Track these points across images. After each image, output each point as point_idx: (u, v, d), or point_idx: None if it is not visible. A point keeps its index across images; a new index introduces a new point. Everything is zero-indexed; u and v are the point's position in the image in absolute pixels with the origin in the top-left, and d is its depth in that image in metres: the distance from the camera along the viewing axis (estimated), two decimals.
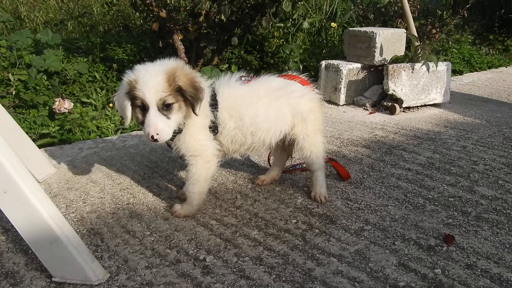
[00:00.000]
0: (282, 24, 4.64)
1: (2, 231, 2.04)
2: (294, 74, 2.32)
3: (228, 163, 2.68)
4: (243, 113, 2.08)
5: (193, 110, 1.89)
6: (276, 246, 1.92)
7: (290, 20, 4.53)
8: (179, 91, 1.87)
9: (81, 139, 3.47)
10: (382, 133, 3.46)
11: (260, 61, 5.84)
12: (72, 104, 3.94)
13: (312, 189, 2.36)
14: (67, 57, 5.28)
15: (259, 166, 2.81)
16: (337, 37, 5.90)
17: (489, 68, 6.37)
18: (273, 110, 2.13)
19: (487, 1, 7.28)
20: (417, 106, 4.17)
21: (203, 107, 1.96)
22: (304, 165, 2.68)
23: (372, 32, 4.06)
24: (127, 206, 2.29)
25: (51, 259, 1.64)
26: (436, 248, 1.91)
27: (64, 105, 3.86)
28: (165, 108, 1.86)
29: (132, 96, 1.86)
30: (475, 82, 5.59)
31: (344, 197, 2.39)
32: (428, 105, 4.23)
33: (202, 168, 2.06)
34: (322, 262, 1.81)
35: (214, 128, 2.07)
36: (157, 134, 1.83)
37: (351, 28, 4.34)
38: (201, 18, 4.61)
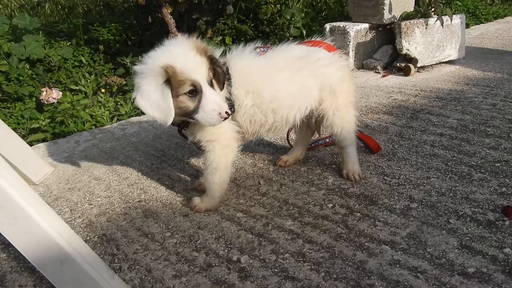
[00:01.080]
0: None
1: (2, 247, 1.78)
2: (317, 40, 2.02)
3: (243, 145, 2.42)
4: (262, 89, 1.79)
5: (222, 84, 1.66)
6: (317, 237, 1.68)
7: None
8: (211, 64, 1.63)
9: (75, 130, 3.18)
10: (401, 97, 3.20)
11: (255, 29, 5.50)
12: (61, 93, 3.62)
13: (343, 167, 2.11)
14: (49, 42, 4.91)
15: (276, 145, 2.55)
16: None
17: (495, 19, 6.08)
18: (296, 83, 1.84)
19: None
20: (431, 65, 3.90)
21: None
22: (328, 140, 2.44)
23: None
24: (139, 204, 2.03)
25: (64, 280, 1.38)
26: (497, 223, 1.68)
27: (52, 94, 3.54)
28: (211, 84, 1.63)
29: (174, 82, 1.57)
30: (484, 34, 5.31)
31: (379, 172, 2.14)
32: (443, 62, 3.95)
33: (221, 154, 1.79)
34: (373, 251, 1.58)
35: (230, 106, 1.77)
36: (226, 112, 1.60)
37: None
38: None
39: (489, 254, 1.52)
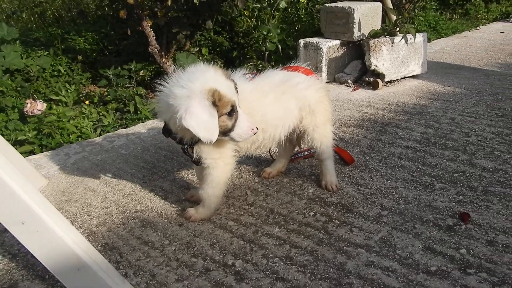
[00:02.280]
0: (258, 5, 4.51)
1: (10, 257, 1.91)
2: (296, 65, 2.26)
3: None
4: (255, 110, 2.01)
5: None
6: (302, 243, 1.90)
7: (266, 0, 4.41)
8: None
9: (62, 142, 3.29)
10: (371, 111, 3.48)
11: (231, 41, 5.70)
12: (45, 104, 3.72)
13: (322, 178, 2.35)
14: (26, 52, 4.95)
15: (259, 157, 2.76)
16: (303, 12, 5.82)
17: (454, 33, 6.52)
18: (281, 105, 2.08)
19: None
20: (397, 79, 4.22)
21: None
22: (306, 153, 2.67)
23: (350, 7, 4.02)
24: (136, 214, 2.20)
25: (80, 286, 1.55)
26: (455, 227, 1.95)
27: (37, 106, 3.63)
28: None
29: (219, 105, 1.78)
30: (444, 49, 5.71)
31: (353, 182, 2.39)
32: (408, 77, 4.28)
33: (223, 171, 2.01)
34: (351, 254, 1.81)
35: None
36: (256, 126, 1.87)
37: (327, 5, 4.28)
38: (169, 2, 4.40)
39: (448, 254, 1.78)
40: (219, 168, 1.99)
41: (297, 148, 2.57)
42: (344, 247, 1.86)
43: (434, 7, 6.84)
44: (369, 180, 2.41)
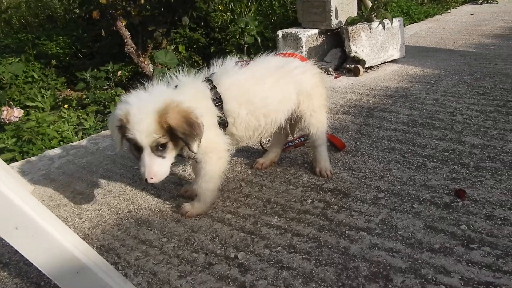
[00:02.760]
0: None
1: (1, 266, 1.82)
2: (290, 51, 2.25)
3: None
4: (253, 96, 1.99)
5: (189, 148, 1.76)
6: (303, 230, 1.88)
7: None
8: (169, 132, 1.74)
9: (43, 148, 3.18)
10: (355, 97, 3.49)
11: (207, 37, 5.64)
12: (22, 111, 3.59)
13: (316, 165, 2.34)
14: None
15: (250, 149, 2.72)
16: (277, 5, 5.79)
17: (426, 17, 6.62)
18: (280, 89, 2.07)
19: None
20: (377, 65, 4.24)
21: (206, 107, 1.88)
22: (297, 141, 2.65)
23: None
24: (130, 214, 2.14)
25: None
26: (452, 204, 1.97)
27: (13, 113, 3.51)
28: (160, 148, 1.76)
29: (124, 132, 1.74)
30: (418, 33, 5.79)
31: (347, 167, 2.39)
32: (387, 62, 4.31)
33: (216, 165, 1.96)
34: (354, 238, 1.80)
35: (223, 123, 1.96)
36: (152, 178, 1.75)
37: None
38: (142, 1, 4.31)
39: (449, 231, 1.79)
40: (212, 162, 1.95)
41: (289, 137, 2.55)
42: (346, 232, 1.85)
43: None
44: (362, 164, 2.40)
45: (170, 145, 1.78)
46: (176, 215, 2.09)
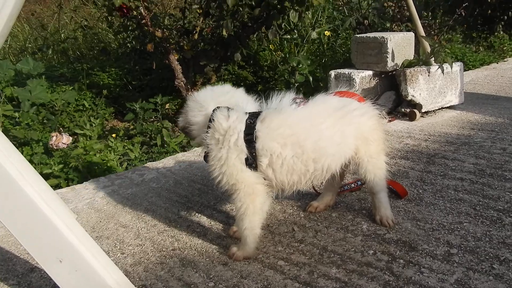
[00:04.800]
0: (288, 36, 4.43)
1: None
2: (345, 90, 2.10)
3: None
4: (303, 139, 1.82)
5: None
6: (366, 285, 1.67)
7: (296, 31, 4.33)
8: None
9: (88, 176, 3.14)
10: (413, 142, 3.28)
11: (254, 75, 5.63)
12: (71, 138, 3.60)
13: (376, 213, 2.13)
14: (51, 87, 4.92)
15: (300, 190, 2.55)
16: (326, 47, 5.74)
17: (481, 65, 6.37)
18: (339, 131, 1.88)
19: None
20: (434, 110, 4.03)
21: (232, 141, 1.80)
22: (353, 185, 2.47)
23: (383, 37, 3.91)
24: (174, 252, 1.99)
25: None
26: None
27: (62, 140, 3.51)
28: None
29: None
30: (475, 80, 5.55)
31: (411, 217, 2.17)
32: (444, 108, 4.09)
33: (246, 200, 1.82)
34: None
35: (251, 162, 1.81)
36: None
37: (358, 35, 4.18)
38: (196, 35, 4.35)
39: None
40: (241, 197, 1.82)
41: (345, 180, 2.37)
42: None
43: (460, 39, 6.73)
44: (427, 214, 2.18)
45: None
46: (224, 257, 1.92)
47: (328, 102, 1.94)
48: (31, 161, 3.32)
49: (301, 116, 1.86)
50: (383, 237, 2.00)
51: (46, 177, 3.10)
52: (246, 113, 1.85)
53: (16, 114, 3.82)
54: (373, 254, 1.87)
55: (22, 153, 3.46)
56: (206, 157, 1.88)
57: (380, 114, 2.09)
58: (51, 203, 1.26)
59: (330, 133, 1.85)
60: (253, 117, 1.83)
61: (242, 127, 1.80)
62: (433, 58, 3.92)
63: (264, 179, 1.86)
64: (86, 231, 2.10)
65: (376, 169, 2.05)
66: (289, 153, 1.82)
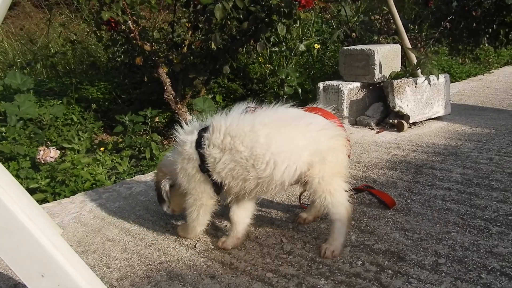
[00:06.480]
0: (277, 48, 4.46)
1: None
2: (315, 106, 2.07)
3: (258, 202, 2.39)
4: (239, 144, 1.83)
5: None
6: None
7: (285, 43, 4.37)
8: None
9: (76, 190, 3.10)
10: (401, 152, 3.31)
11: (244, 88, 5.65)
12: (58, 152, 3.56)
13: (327, 240, 2.01)
14: (39, 101, 4.89)
15: (289, 202, 2.55)
16: (315, 59, 5.78)
17: (468, 77, 6.47)
18: (282, 141, 1.82)
19: (454, 13, 7.43)
20: (421, 121, 4.07)
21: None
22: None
23: (370, 49, 3.96)
24: (161, 265, 1.97)
25: None
26: None
27: (50, 154, 3.48)
28: None
29: None
30: (462, 91, 5.62)
31: (399, 227, 2.17)
32: (432, 118, 4.13)
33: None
34: None
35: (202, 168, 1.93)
36: None
37: (346, 47, 4.22)
38: (185, 49, 4.37)
39: None
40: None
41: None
42: None
43: (446, 52, 6.83)
44: (415, 224, 2.18)
45: None
46: (212, 270, 1.90)
47: (278, 112, 1.92)
48: (17, 176, 3.28)
49: (242, 123, 1.86)
50: (371, 248, 2.00)
51: (32, 191, 3.06)
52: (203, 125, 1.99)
53: (3, 129, 3.78)
54: (361, 264, 1.87)
55: (8, 168, 3.44)
56: None
57: (345, 137, 1.97)
58: (33, 218, 1.24)
59: (268, 139, 1.82)
60: (206, 128, 1.94)
61: (194, 137, 1.94)
62: (419, 70, 3.98)
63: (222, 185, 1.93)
64: (71, 246, 2.08)
65: (326, 193, 1.89)
66: (228, 158, 1.86)
